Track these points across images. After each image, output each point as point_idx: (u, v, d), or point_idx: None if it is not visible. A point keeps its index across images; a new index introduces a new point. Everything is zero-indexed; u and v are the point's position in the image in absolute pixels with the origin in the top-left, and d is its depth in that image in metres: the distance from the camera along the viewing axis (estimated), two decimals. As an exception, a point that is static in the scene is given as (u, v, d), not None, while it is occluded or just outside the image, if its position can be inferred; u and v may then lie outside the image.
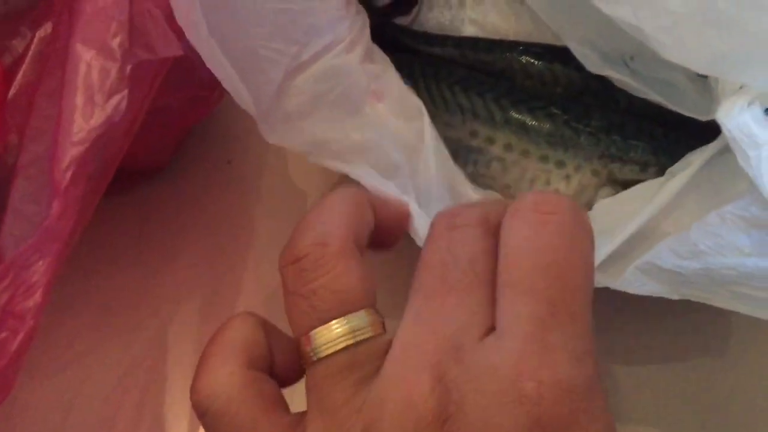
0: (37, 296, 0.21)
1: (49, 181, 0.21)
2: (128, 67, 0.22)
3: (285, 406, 0.22)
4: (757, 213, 0.25)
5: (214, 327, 0.37)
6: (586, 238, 0.21)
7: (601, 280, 0.27)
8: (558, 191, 0.32)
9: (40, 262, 0.21)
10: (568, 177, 0.32)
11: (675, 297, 0.27)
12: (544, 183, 0.32)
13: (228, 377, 0.21)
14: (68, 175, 0.21)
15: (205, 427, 0.22)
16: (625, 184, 0.31)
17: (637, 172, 0.31)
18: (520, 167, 0.32)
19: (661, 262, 0.26)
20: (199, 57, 0.26)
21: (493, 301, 0.21)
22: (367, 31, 0.31)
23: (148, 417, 0.36)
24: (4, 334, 0.20)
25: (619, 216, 0.28)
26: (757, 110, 0.24)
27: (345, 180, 0.34)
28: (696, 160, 0.27)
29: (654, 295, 0.27)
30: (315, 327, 0.21)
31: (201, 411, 0.21)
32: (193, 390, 0.22)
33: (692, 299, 0.27)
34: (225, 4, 0.26)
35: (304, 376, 0.22)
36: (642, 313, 0.36)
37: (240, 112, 0.30)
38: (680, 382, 0.35)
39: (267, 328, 0.23)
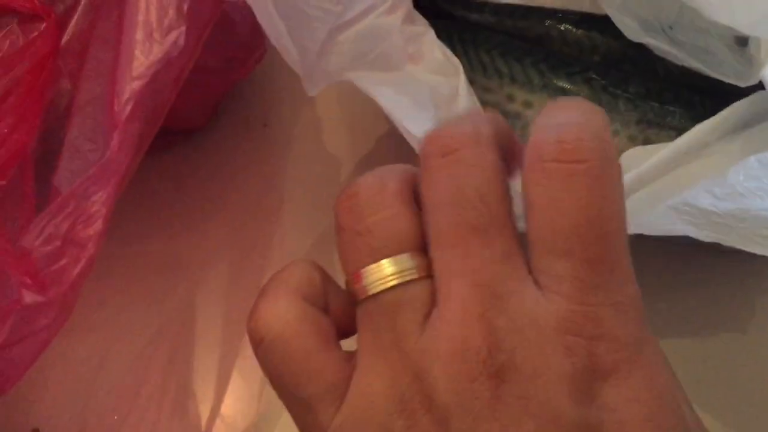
0: (98, 225, 0.21)
1: (107, 116, 0.22)
2: (185, 5, 0.23)
3: (338, 343, 0.22)
4: None
5: (244, 290, 0.38)
6: (617, 183, 0.20)
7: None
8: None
9: (100, 193, 0.21)
10: (605, 142, 0.32)
11: (702, 238, 0.27)
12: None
13: (285, 307, 0.21)
14: (128, 108, 0.22)
15: (258, 358, 0.22)
16: (662, 150, 0.31)
17: (673, 138, 0.31)
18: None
19: (697, 201, 0.26)
20: (240, 18, 0.26)
21: (515, 237, 0.21)
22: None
23: (176, 377, 0.36)
24: (64, 261, 0.21)
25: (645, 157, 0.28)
26: None
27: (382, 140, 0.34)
28: (731, 109, 0.27)
29: (681, 234, 0.27)
30: (367, 264, 0.21)
31: (257, 339, 0.22)
32: (251, 318, 0.22)
33: (720, 242, 0.27)
34: None
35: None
36: (665, 286, 0.36)
37: (277, 76, 0.30)
38: (705, 354, 0.35)
39: (323, 274, 0.23)
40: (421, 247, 0.21)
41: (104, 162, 0.21)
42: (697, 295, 0.36)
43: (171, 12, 0.23)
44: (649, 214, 0.27)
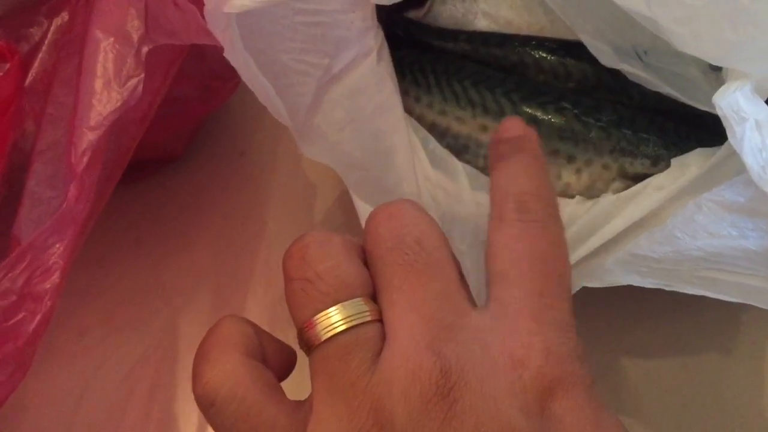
0: (55, 278, 0.21)
1: (65, 166, 0.22)
2: (144, 52, 0.23)
3: (283, 392, 0.23)
4: (731, 198, 0.26)
5: (226, 312, 0.38)
6: (560, 235, 0.24)
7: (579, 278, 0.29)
8: (569, 186, 0.32)
9: (58, 245, 0.21)
10: (578, 171, 0.32)
11: (647, 285, 0.28)
12: (555, 177, 0.32)
13: (231, 365, 0.22)
14: (85, 159, 0.22)
15: (211, 421, 0.23)
16: (636, 178, 0.31)
17: (648, 167, 0.31)
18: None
19: (638, 249, 0.28)
20: (212, 48, 0.26)
21: (456, 275, 0.23)
22: (386, 45, 0.32)
23: (159, 407, 0.36)
24: (22, 315, 0.21)
25: (615, 213, 0.29)
26: (747, 88, 0.25)
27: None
28: (697, 162, 0.28)
29: (625, 283, 0.28)
30: (319, 311, 0.22)
31: (207, 403, 0.22)
32: (197, 384, 0.22)
33: (663, 287, 0.28)
34: (259, 20, 0.27)
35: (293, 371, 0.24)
36: (649, 309, 0.36)
37: (254, 105, 0.30)
38: (688, 377, 0.35)
39: (255, 326, 0.24)
40: (371, 295, 0.23)
41: (61, 213, 0.21)
42: (682, 315, 0.36)
43: (129, 60, 0.23)
44: (593, 266, 0.28)
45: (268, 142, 0.41)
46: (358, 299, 0.22)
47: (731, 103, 0.25)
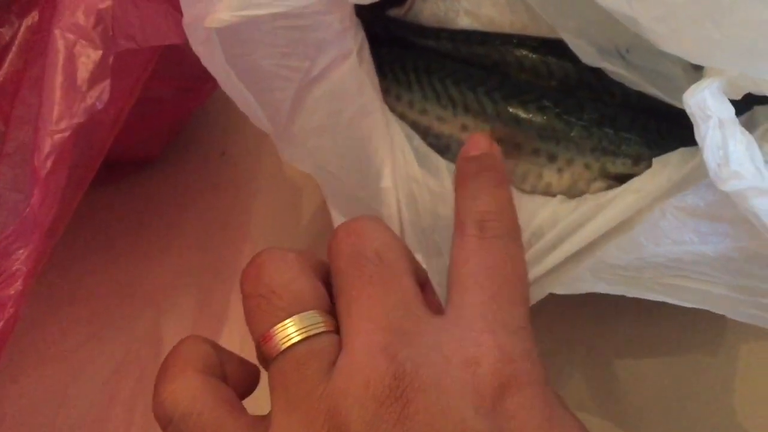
0: (18, 284, 0.21)
1: (29, 170, 0.21)
2: (111, 56, 0.22)
3: (243, 408, 0.23)
4: (693, 202, 0.27)
5: (208, 318, 0.38)
6: (519, 252, 0.26)
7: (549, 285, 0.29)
8: (550, 185, 0.32)
9: (21, 251, 0.21)
10: (560, 170, 0.32)
11: (611, 292, 0.29)
12: (536, 176, 0.31)
13: (189, 383, 0.23)
14: (48, 163, 0.21)
15: None
16: (618, 178, 0.31)
17: (629, 166, 0.31)
18: (511, 161, 0.31)
19: (606, 257, 0.28)
20: (190, 48, 0.26)
21: (413, 285, 0.24)
22: (367, 44, 0.32)
23: (141, 411, 0.36)
24: (-17, 323, 0.20)
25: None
26: (715, 87, 0.25)
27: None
28: (675, 166, 0.28)
29: (591, 290, 0.29)
30: (275, 324, 0.22)
31: (165, 420, 0.22)
32: (156, 403, 0.23)
33: (627, 294, 0.29)
34: (238, 26, 0.26)
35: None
36: (633, 308, 0.36)
37: (234, 104, 0.30)
38: (672, 376, 0.35)
39: (214, 344, 0.25)
40: (327, 308, 0.24)
41: (24, 218, 0.21)
42: (666, 314, 0.36)
43: (95, 63, 0.22)
44: (561, 274, 0.28)
45: (250, 142, 0.41)
46: (313, 311, 0.23)
47: (698, 100, 0.25)
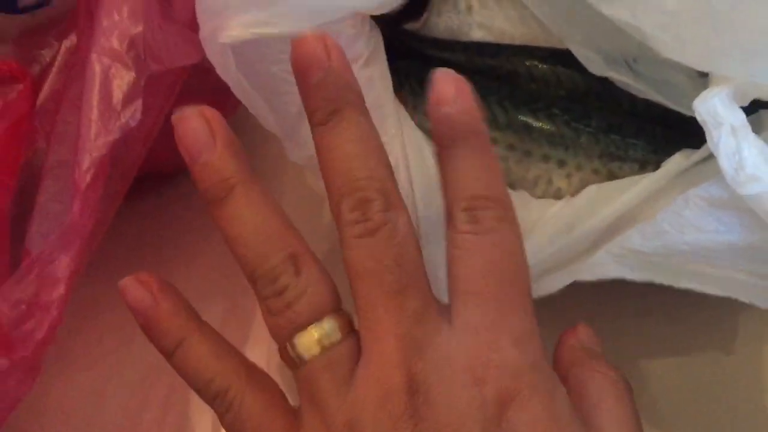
0: (61, 289, 0.23)
1: (71, 183, 0.23)
2: (143, 78, 0.24)
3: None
4: (717, 193, 0.27)
5: (235, 325, 0.39)
6: (518, 242, 0.24)
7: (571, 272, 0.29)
8: (560, 190, 0.33)
9: (63, 257, 0.23)
10: (569, 176, 0.33)
11: (636, 279, 0.29)
12: (546, 182, 0.32)
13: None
14: (88, 177, 0.23)
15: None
16: (625, 183, 0.31)
17: (636, 170, 0.32)
18: (522, 167, 0.32)
19: (628, 243, 0.28)
20: (213, 67, 0.27)
21: (429, 292, 0.24)
22: (382, 48, 0.32)
23: (174, 412, 0.37)
24: (30, 324, 0.22)
25: (604, 203, 0.29)
26: (725, 94, 0.26)
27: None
28: (679, 159, 0.28)
29: (615, 276, 0.29)
30: (294, 335, 0.23)
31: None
32: None
33: (653, 280, 0.29)
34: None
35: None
36: (645, 308, 0.36)
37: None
38: (685, 378, 0.35)
39: None
40: (339, 305, 0.24)
41: (66, 228, 0.23)
42: (678, 314, 0.37)
43: (129, 84, 0.24)
44: (585, 260, 0.28)
45: (274, 153, 0.42)
46: (331, 318, 0.23)
47: (709, 108, 0.26)
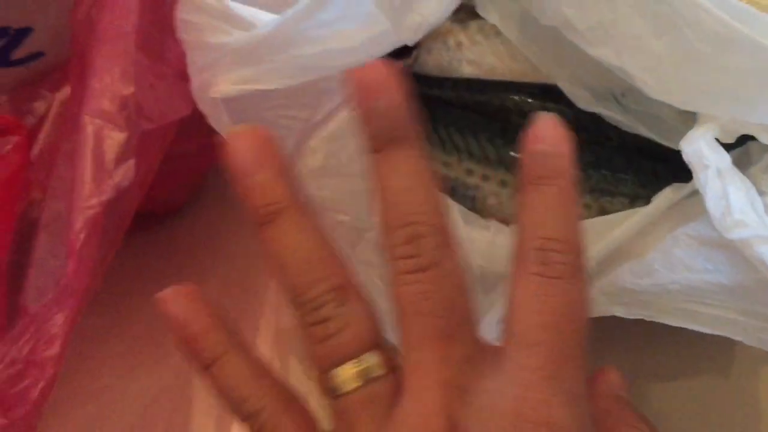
0: (56, 347, 0.23)
1: (65, 241, 0.24)
2: (134, 137, 0.24)
3: None
4: (706, 233, 0.27)
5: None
6: (584, 290, 0.23)
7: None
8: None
9: (59, 315, 0.23)
10: (560, 211, 0.33)
11: (629, 316, 0.29)
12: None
13: None
14: (81, 237, 0.23)
15: None
16: (616, 217, 0.32)
17: (626, 205, 0.32)
18: (515, 202, 0.33)
19: (621, 282, 0.28)
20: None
21: (476, 338, 0.23)
22: None
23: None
24: (26, 383, 0.23)
25: (595, 239, 0.30)
26: (710, 136, 0.26)
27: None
28: (669, 194, 0.28)
29: (608, 314, 0.29)
30: (334, 366, 0.23)
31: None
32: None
33: (645, 318, 0.29)
34: None
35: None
36: (648, 333, 0.36)
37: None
38: (688, 400, 0.36)
39: None
40: (382, 341, 0.23)
41: (61, 287, 0.23)
42: (681, 338, 0.37)
43: (121, 144, 0.24)
44: None
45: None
46: (373, 353, 0.23)
47: (695, 150, 0.26)
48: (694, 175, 0.26)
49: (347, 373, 0.23)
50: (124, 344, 0.41)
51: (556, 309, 0.23)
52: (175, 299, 0.25)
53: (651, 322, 0.32)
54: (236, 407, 0.24)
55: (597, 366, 0.36)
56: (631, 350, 0.37)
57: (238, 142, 0.24)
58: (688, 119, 0.32)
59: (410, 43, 0.26)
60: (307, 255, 0.23)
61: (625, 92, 0.33)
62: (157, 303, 0.25)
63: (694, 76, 0.26)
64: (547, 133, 0.24)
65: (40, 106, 0.28)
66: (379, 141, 0.23)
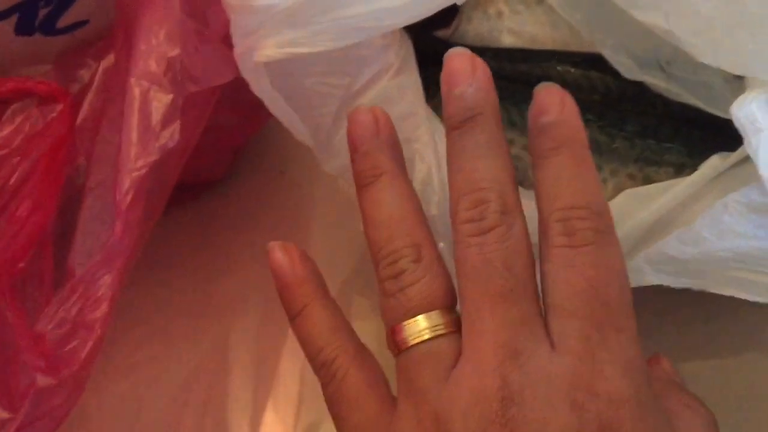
0: (104, 307, 0.23)
1: (111, 204, 0.24)
2: (180, 99, 0.25)
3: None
4: (756, 198, 0.26)
5: (272, 332, 0.39)
6: (617, 257, 0.23)
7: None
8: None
9: (106, 277, 0.23)
10: (604, 181, 0.33)
11: (676, 285, 0.29)
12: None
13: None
14: (128, 198, 0.24)
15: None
16: (661, 187, 0.31)
17: (672, 174, 0.32)
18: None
19: (667, 249, 0.28)
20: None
21: (536, 301, 0.23)
22: (413, 56, 0.33)
23: (212, 417, 0.37)
24: (75, 343, 0.23)
25: (639, 208, 0.29)
26: (762, 99, 0.25)
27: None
28: (716, 162, 0.28)
29: (653, 283, 0.29)
30: (403, 320, 0.24)
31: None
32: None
33: (693, 287, 0.29)
34: None
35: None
36: (683, 310, 0.36)
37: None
38: (723, 379, 0.35)
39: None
40: (452, 304, 0.24)
41: (108, 248, 0.23)
42: (716, 315, 0.36)
43: (166, 106, 0.25)
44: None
45: (308, 161, 0.42)
46: (439, 311, 0.24)
47: (747, 113, 0.25)
48: (744, 139, 0.26)
49: (415, 327, 0.24)
50: (163, 318, 0.41)
51: (587, 275, 0.23)
52: (278, 251, 0.28)
53: (683, 300, 0.31)
54: (312, 357, 0.26)
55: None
56: (664, 329, 0.36)
57: (356, 117, 0.27)
58: (736, 87, 0.31)
59: (459, 1, 0.26)
60: (391, 212, 0.25)
61: (670, 60, 0.32)
62: (267, 253, 0.28)
63: (747, 38, 0.26)
64: (549, 103, 0.25)
65: (84, 74, 0.28)
66: (458, 119, 0.25)
